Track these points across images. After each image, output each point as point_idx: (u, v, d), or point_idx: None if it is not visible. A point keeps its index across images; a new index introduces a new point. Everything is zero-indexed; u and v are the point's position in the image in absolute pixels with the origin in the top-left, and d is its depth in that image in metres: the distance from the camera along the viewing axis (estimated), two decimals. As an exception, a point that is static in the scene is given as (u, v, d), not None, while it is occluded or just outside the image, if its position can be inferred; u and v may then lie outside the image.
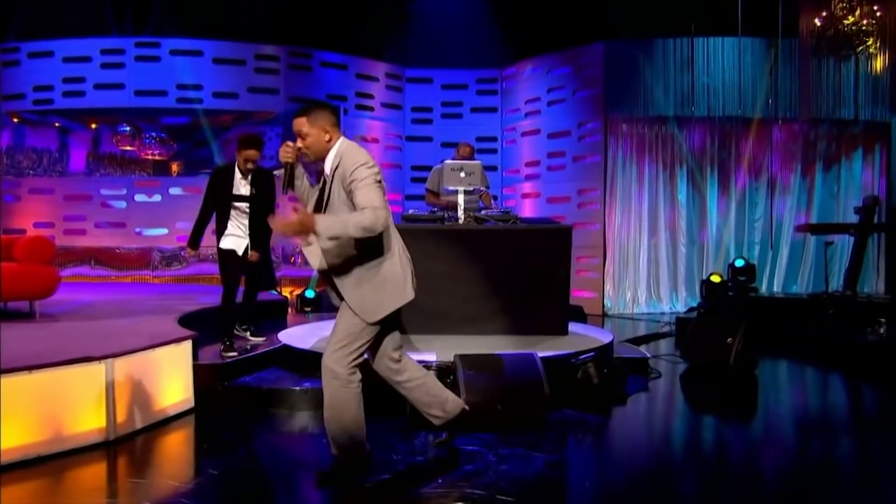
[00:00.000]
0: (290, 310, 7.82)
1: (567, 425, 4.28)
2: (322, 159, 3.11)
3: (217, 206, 5.24)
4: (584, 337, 5.61)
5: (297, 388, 4.59)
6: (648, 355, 5.92)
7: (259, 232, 5.23)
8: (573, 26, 9.54)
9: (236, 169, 5.18)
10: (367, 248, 3.06)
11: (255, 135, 5.33)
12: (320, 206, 3.13)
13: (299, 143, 3.09)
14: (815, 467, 3.72)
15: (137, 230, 9.22)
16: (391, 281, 3.14)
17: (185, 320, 5.39)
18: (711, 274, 8.31)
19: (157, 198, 9.24)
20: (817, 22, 7.82)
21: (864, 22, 7.59)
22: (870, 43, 7.74)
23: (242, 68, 9.20)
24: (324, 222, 2.83)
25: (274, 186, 5.25)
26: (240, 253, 5.22)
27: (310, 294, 8.17)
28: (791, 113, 8.99)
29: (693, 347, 5.90)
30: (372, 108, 9.94)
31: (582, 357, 4.76)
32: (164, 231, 9.22)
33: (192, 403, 4.45)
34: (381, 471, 3.35)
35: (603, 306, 9.11)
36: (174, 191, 9.29)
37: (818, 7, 7.94)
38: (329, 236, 2.89)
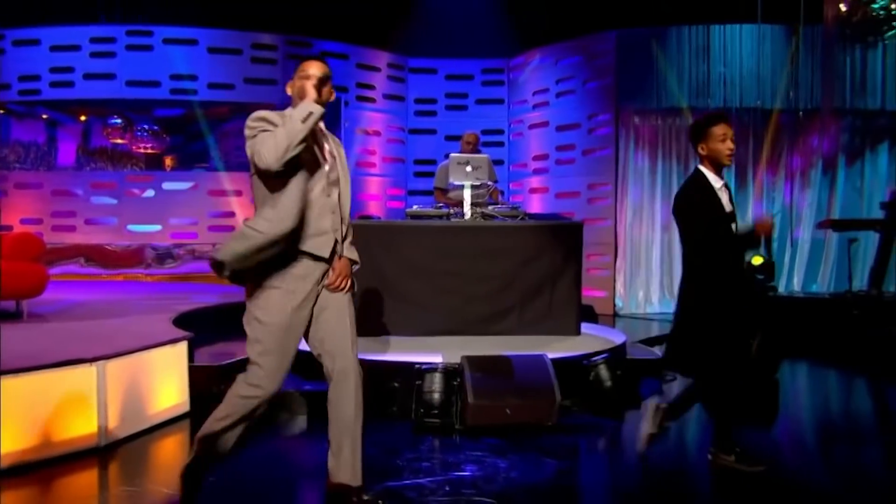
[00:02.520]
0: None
1: (579, 430, 4.25)
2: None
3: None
4: (595, 337, 5.58)
5: (298, 391, 4.56)
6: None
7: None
8: (583, 13, 9.48)
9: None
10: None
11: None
12: (335, 182, 2.92)
13: (327, 90, 2.87)
14: (838, 473, 3.68)
15: (130, 227, 9.20)
16: None
17: (180, 320, 5.37)
18: (728, 272, 8.24)
19: (150, 193, 9.22)
20: (842, 7, 7.75)
21: (894, 6, 7.50)
22: (899, 28, 7.67)
23: (239, 58, 9.16)
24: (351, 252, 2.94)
25: None
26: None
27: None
28: (813, 104, 8.93)
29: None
30: (373, 100, 9.90)
31: (594, 358, 4.73)
32: (158, 227, 9.20)
33: (187, 407, 4.43)
34: (385, 477, 3.33)
35: (614, 306, 9.07)
36: (168, 186, 9.27)
37: (842, -8, 7.88)
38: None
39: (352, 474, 2.87)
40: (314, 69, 2.88)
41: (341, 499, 2.90)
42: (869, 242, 8.84)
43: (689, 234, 3.41)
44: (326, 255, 2.84)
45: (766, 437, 4.42)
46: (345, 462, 2.87)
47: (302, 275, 2.81)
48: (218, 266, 2.76)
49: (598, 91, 9.26)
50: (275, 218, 2.74)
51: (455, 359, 4.39)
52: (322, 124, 2.91)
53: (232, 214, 9.15)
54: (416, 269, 5.42)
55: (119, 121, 9.75)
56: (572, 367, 4.63)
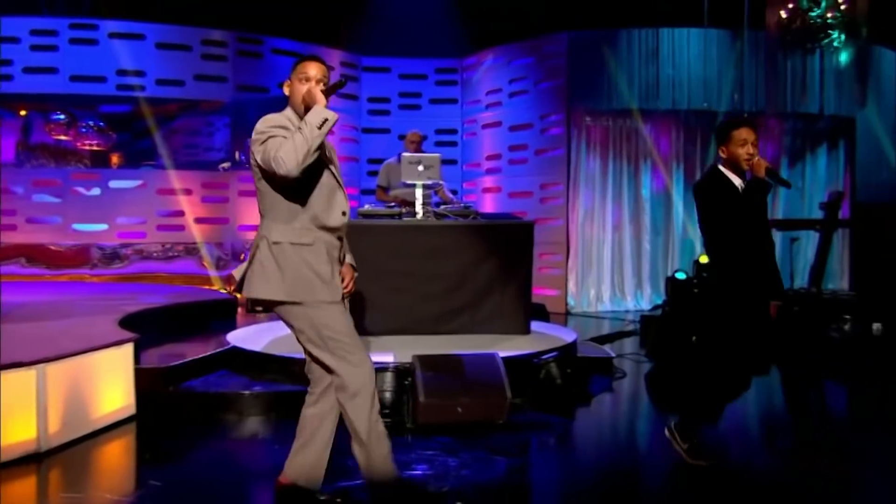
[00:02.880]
0: (239, 309, 7.69)
1: (530, 427, 4.29)
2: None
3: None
4: (546, 336, 5.64)
5: (247, 392, 4.51)
6: (613, 354, 5.98)
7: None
8: (536, 15, 9.56)
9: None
10: None
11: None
12: (337, 186, 2.97)
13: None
14: (783, 465, 3.79)
15: (74, 226, 8.95)
16: None
17: (127, 322, 5.24)
18: (676, 271, 8.42)
19: (95, 191, 8.98)
20: (783, 14, 7.99)
21: (829, 14, 7.77)
22: (835, 36, 7.94)
23: (188, 54, 8.99)
24: None
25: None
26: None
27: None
28: (757, 107, 9.17)
29: (658, 346, 5.98)
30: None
31: (544, 357, 4.79)
32: (104, 227, 8.96)
33: (133, 410, 4.33)
34: (337, 477, 3.31)
35: (566, 304, 9.17)
36: (114, 184, 9.05)
37: (784, -1, 8.12)
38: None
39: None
40: (314, 70, 2.84)
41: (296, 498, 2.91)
42: (809, 241, 9.14)
43: (705, 224, 3.54)
44: (336, 254, 2.90)
45: (711, 430, 4.53)
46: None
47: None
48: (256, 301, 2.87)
49: (550, 92, 9.35)
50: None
51: (406, 358, 4.39)
52: None
53: (181, 213, 8.97)
54: (367, 268, 5.34)
55: (62, 116, 9.46)
56: (523, 366, 4.67)
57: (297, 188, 2.77)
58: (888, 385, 5.62)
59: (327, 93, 2.79)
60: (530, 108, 9.48)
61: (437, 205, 5.98)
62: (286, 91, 2.90)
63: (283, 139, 2.65)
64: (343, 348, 2.77)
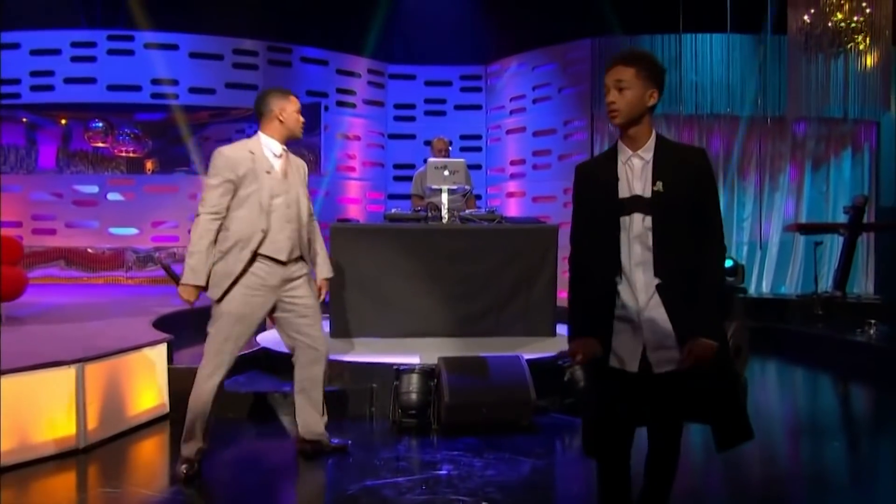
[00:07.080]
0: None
1: (554, 429, 4.27)
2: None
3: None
4: (571, 339, 5.60)
5: (276, 392, 4.55)
6: (637, 357, 5.91)
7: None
8: (559, 22, 9.55)
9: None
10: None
11: None
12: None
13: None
14: (806, 469, 3.74)
15: (111, 230, 9.10)
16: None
17: (160, 323, 5.32)
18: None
19: (131, 196, 9.14)
20: (806, 19, 7.89)
21: (854, 19, 7.66)
22: (859, 40, 7.82)
23: (220, 63, 9.13)
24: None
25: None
26: None
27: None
28: (780, 111, 9.06)
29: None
30: (353, 105, 9.90)
31: (569, 359, 4.75)
32: (138, 231, 9.11)
33: (167, 409, 4.39)
34: (363, 476, 3.33)
35: (590, 307, 9.11)
36: (149, 189, 9.20)
37: (807, 4, 8.00)
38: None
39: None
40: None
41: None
42: (834, 245, 9.00)
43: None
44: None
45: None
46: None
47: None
48: None
49: (573, 97, 9.33)
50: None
51: (432, 360, 4.39)
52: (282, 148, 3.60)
53: (213, 218, 9.07)
54: (394, 271, 5.42)
55: (100, 124, 9.66)
56: (547, 368, 4.65)
57: None
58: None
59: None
60: (554, 113, 9.47)
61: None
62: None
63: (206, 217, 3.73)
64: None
